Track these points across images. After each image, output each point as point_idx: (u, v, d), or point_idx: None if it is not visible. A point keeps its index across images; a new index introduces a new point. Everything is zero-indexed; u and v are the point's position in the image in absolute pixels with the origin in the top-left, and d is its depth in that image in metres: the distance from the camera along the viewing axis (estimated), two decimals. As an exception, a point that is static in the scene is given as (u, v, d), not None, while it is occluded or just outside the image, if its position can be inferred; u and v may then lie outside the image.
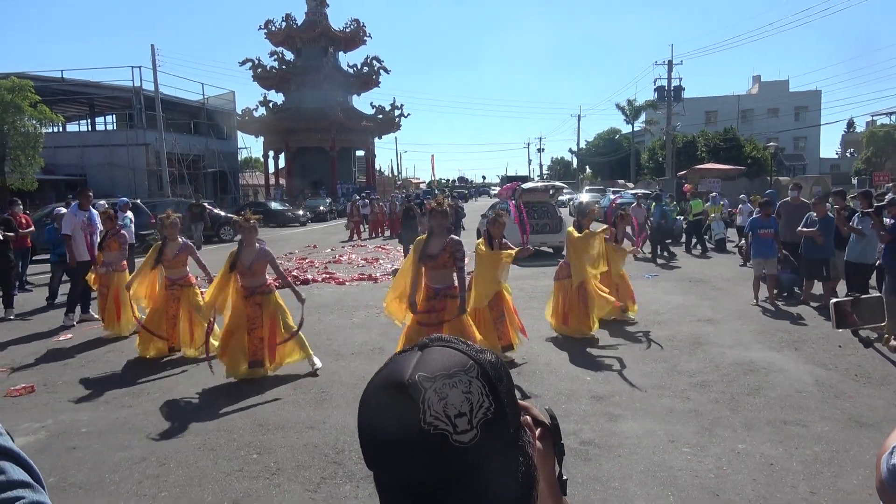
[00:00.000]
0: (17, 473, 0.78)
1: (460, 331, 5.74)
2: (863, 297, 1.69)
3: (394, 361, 0.75)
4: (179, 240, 7.23)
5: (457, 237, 5.93)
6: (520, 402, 0.78)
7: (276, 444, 4.66)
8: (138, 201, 18.58)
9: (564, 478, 0.81)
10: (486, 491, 0.68)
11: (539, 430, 0.80)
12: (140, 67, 33.82)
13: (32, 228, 11.62)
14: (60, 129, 34.00)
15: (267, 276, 6.40)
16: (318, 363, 6.41)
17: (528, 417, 0.79)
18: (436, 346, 0.75)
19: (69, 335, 8.17)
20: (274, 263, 6.35)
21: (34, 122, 22.70)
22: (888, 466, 1.43)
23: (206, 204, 21.16)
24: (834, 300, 1.72)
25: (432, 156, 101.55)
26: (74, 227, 8.99)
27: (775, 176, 32.88)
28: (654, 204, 16.95)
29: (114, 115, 43.63)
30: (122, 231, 8.67)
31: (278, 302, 6.36)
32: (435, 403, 0.67)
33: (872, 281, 8.96)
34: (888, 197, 8.09)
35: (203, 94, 41.20)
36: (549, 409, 0.83)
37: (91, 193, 9.56)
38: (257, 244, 6.25)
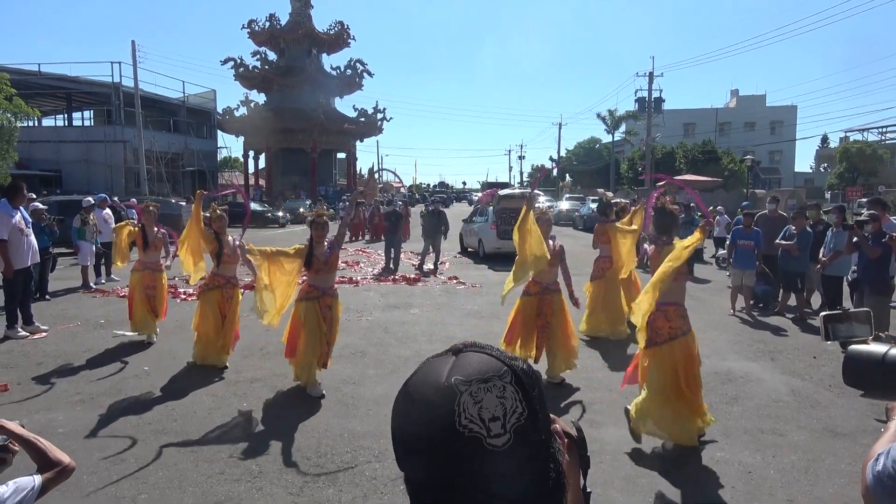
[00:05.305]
0: None
1: (564, 327, 6.19)
2: (851, 310, 1.74)
3: (429, 364, 0.77)
4: (230, 237, 6.87)
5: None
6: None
7: (258, 447, 4.62)
8: (116, 198, 18.10)
9: (588, 490, 0.83)
10: (517, 495, 0.69)
11: (566, 440, 0.82)
12: (120, 63, 33.64)
13: None
14: (36, 124, 33.46)
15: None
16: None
17: (557, 426, 0.80)
18: (470, 351, 0.76)
19: (44, 334, 8.01)
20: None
21: (9, 115, 22.26)
22: (873, 473, 1.48)
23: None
24: (824, 313, 1.77)
25: (415, 161, 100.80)
26: (11, 229, 7.66)
27: (751, 188, 33.48)
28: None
29: (91, 111, 43.08)
30: (163, 229, 8.06)
31: (339, 308, 6.17)
32: (470, 406, 0.68)
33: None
34: (865, 213, 8.25)
35: (183, 92, 40.92)
36: (576, 423, 0.85)
37: (25, 191, 8.16)
38: (325, 243, 5.94)
